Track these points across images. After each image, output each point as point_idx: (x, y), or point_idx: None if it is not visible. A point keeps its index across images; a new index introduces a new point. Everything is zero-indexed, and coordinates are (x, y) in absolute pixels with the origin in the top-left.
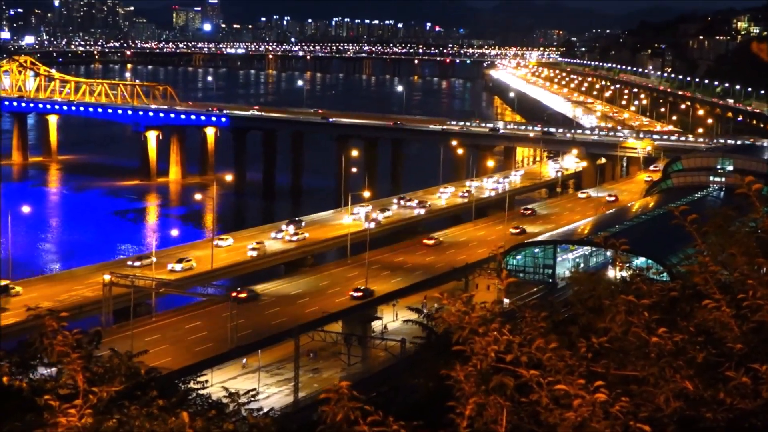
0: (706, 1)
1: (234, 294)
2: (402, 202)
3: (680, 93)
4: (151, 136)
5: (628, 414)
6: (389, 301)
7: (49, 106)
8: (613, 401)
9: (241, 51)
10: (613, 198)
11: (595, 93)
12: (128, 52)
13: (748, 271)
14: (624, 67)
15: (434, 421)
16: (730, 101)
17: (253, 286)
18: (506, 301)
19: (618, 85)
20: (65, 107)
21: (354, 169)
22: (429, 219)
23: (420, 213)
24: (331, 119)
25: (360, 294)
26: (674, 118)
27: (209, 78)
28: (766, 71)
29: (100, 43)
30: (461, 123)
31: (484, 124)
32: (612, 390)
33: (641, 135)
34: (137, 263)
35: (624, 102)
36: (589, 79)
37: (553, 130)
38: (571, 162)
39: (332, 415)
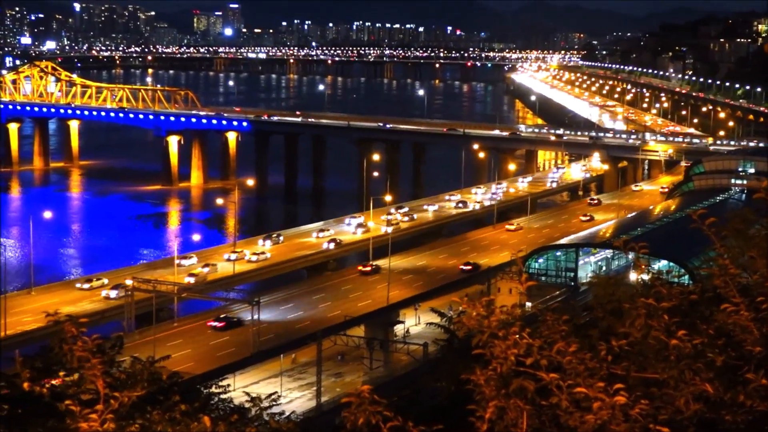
0: (726, 2)
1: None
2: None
3: (701, 95)
4: (173, 141)
5: (647, 416)
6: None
7: (70, 111)
8: (632, 404)
9: (262, 55)
10: (665, 190)
11: (616, 96)
12: (149, 57)
13: None
14: (645, 69)
15: (455, 425)
16: (744, 102)
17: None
18: (528, 304)
19: (639, 88)
20: (86, 112)
21: (375, 173)
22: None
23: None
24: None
25: (470, 267)
26: (695, 120)
27: (230, 82)
28: None
29: (121, 48)
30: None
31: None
32: (632, 393)
33: (662, 137)
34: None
35: (645, 105)
36: (610, 82)
37: (579, 133)
38: (587, 166)
39: (354, 420)
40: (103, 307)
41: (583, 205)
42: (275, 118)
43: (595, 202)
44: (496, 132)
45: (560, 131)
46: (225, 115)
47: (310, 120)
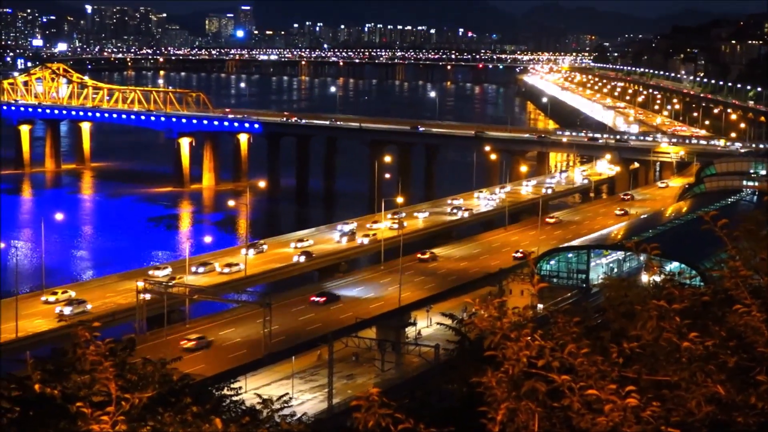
0: (738, 3)
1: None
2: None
3: (712, 97)
4: (184, 143)
5: (659, 419)
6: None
7: (81, 113)
8: (644, 406)
9: (274, 57)
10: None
11: (627, 98)
12: (161, 59)
13: None
14: (656, 71)
15: (466, 427)
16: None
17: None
18: (540, 306)
19: (650, 90)
20: (98, 114)
21: (387, 175)
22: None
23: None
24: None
25: (521, 255)
26: (707, 122)
27: (242, 84)
28: None
29: (132, 50)
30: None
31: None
32: (643, 395)
33: (675, 139)
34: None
35: (657, 107)
36: (622, 83)
37: (597, 135)
38: (604, 167)
39: (364, 422)
40: (53, 327)
41: (617, 200)
42: (303, 121)
43: (628, 197)
44: (580, 135)
45: (582, 133)
46: (245, 117)
47: (321, 122)
